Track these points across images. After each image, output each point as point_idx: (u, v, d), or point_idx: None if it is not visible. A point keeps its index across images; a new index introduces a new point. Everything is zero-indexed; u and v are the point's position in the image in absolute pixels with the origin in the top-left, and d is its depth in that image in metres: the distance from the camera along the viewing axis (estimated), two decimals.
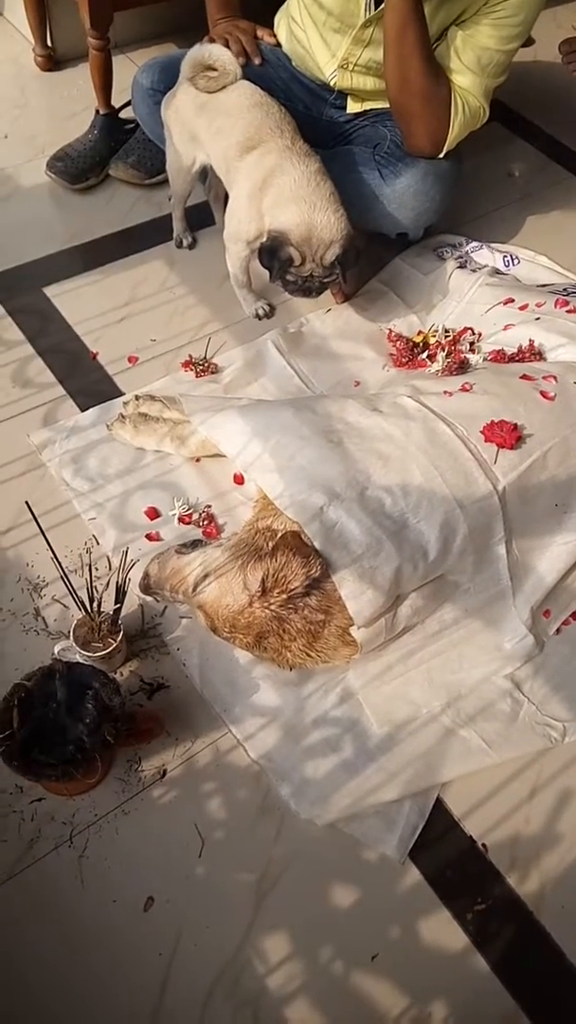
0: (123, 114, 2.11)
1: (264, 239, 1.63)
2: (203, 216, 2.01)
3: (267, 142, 1.61)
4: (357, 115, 1.90)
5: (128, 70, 2.37)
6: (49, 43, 2.38)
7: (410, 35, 1.58)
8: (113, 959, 1.11)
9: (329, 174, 1.62)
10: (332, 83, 1.81)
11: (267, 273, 1.66)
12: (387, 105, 1.78)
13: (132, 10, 2.11)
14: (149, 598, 1.36)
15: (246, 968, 1.11)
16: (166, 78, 1.79)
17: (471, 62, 1.66)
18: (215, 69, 1.65)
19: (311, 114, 1.88)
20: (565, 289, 1.83)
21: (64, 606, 1.39)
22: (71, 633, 1.28)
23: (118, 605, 1.28)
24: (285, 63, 1.88)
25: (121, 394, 1.69)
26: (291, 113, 1.67)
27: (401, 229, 1.86)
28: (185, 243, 1.98)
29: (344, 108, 1.90)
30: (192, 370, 1.73)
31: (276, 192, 1.59)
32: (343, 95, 1.88)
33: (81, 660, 1.26)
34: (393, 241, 1.94)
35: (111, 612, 1.29)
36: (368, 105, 1.87)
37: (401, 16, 1.55)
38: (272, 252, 1.60)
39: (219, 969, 1.11)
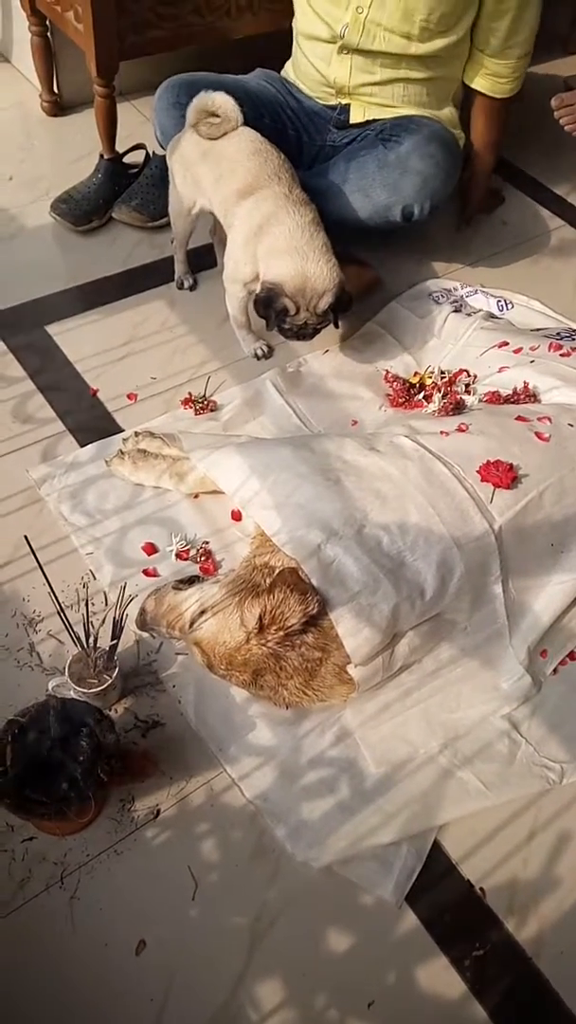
0: (127, 159, 2.16)
1: (258, 286, 1.67)
2: (204, 258, 2.05)
3: (264, 188, 1.66)
4: (357, 135, 1.96)
5: (133, 117, 2.44)
6: (56, 89, 2.44)
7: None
8: (104, 1004, 1.08)
9: (322, 224, 1.67)
10: (342, 35, 1.80)
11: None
12: (390, 111, 1.90)
13: (138, 59, 2.17)
14: (145, 634, 1.36)
15: (239, 1015, 1.08)
16: (190, 95, 1.78)
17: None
18: (217, 116, 1.70)
19: (315, 142, 1.98)
20: (559, 333, 1.86)
21: (60, 641, 1.38)
22: (66, 669, 1.27)
23: (114, 641, 1.27)
24: (294, 93, 1.99)
25: (120, 431, 1.70)
26: (291, 161, 1.73)
27: (407, 201, 1.82)
28: (186, 284, 2.01)
29: (347, 125, 1.96)
30: (191, 408, 1.75)
31: (271, 240, 1.64)
32: (346, 110, 1.95)
33: (76, 696, 1.25)
34: (390, 284, 1.97)
35: (107, 648, 1.28)
36: (372, 113, 1.93)
37: None
38: (268, 303, 1.65)
39: (211, 1016, 1.08)
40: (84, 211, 2.10)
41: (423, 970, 1.14)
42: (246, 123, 1.72)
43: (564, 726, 1.37)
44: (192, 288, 2.02)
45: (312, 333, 1.73)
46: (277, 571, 1.25)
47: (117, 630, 1.27)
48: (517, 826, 1.27)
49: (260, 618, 1.21)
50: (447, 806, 1.27)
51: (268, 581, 1.25)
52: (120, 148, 2.17)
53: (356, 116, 1.95)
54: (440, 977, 1.14)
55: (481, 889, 1.21)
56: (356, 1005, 1.11)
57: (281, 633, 1.21)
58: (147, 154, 2.15)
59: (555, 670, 1.44)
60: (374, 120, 1.94)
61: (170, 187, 1.85)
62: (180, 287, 2.02)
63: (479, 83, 1.98)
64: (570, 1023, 1.11)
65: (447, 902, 1.20)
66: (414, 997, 1.12)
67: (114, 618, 1.27)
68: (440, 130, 1.88)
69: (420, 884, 1.20)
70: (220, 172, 1.71)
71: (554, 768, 1.32)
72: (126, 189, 2.13)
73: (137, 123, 2.42)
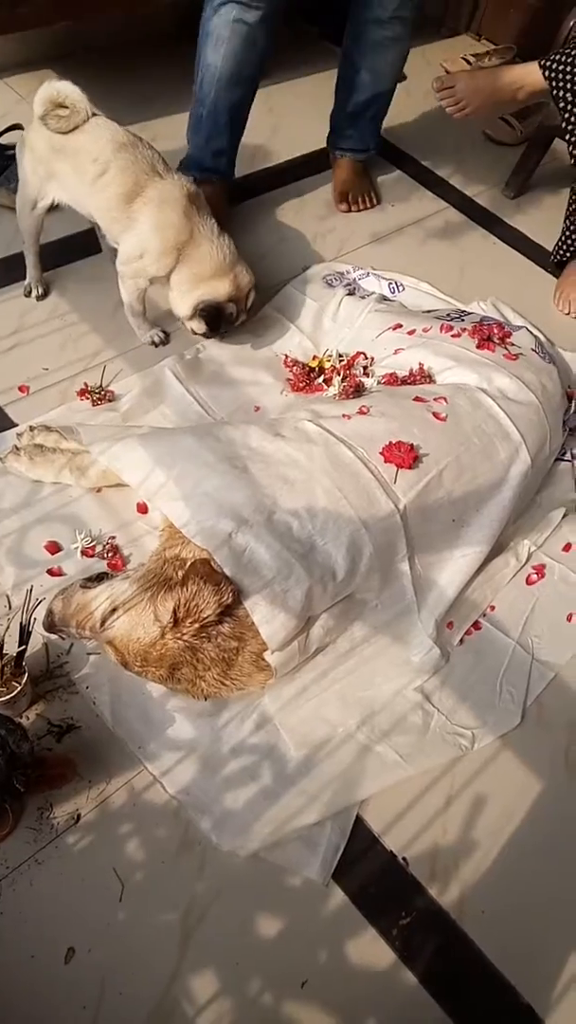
0: (3, 139, 2.06)
1: (198, 307, 1.71)
2: (68, 252, 1.97)
3: (148, 187, 1.60)
4: None
5: (8, 96, 2.33)
6: None
7: None
8: (36, 1017, 1.05)
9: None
10: None
11: (162, 301, 1.67)
12: None
13: (11, 35, 2.06)
14: (54, 636, 1.32)
15: (175, 1011, 1.08)
16: None
17: None
18: (66, 107, 1.57)
19: None
20: (449, 315, 1.91)
21: None
22: None
23: (22, 647, 1.23)
24: None
25: (14, 425, 1.63)
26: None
27: None
28: (35, 293, 1.87)
29: None
30: (88, 399, 1.70)
31: (196, 267, 1.66)
32: None
33: None
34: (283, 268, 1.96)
35: (14, 654, 1.23)
36: None
37: None
38: (218, 315, 1.72)
39: (147, 1015, 1.07)
40: None
41: (353, 944, 1.17)
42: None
43: (472, 694, 1.42)
44: (40, 298, 1.87)
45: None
46: (189, 563, 1.24)
47: (24, 635, 1.23)
48: (434, 794, 1.31)
49: (174, 612, 1.20)
50: (367, 781, 1.30)
51: (180, 573, 1.23)
52: None
53: None
54: (369, 949, 1.17)
55: (404, 859, 1.25)
56: (290, 986, 1.12)
57: (196, 625, 1.20)
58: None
59: (461, 640, 1.49)
60: None
61: (20, 181, 1.72)
62: (27, 295, 1.87)
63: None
64: (494, 979, 1.17)
65: (372, 875, 1.23)
66: (346, 971, 1.15)
67: (20, 622, 1.23)
68: None
69: (345, 860, 1.23)
70: (85, 171, 1.59)
71: (466, 735, 1.37)
72: (4, 171, 2.03)
73: (12, 102, 2.31)
